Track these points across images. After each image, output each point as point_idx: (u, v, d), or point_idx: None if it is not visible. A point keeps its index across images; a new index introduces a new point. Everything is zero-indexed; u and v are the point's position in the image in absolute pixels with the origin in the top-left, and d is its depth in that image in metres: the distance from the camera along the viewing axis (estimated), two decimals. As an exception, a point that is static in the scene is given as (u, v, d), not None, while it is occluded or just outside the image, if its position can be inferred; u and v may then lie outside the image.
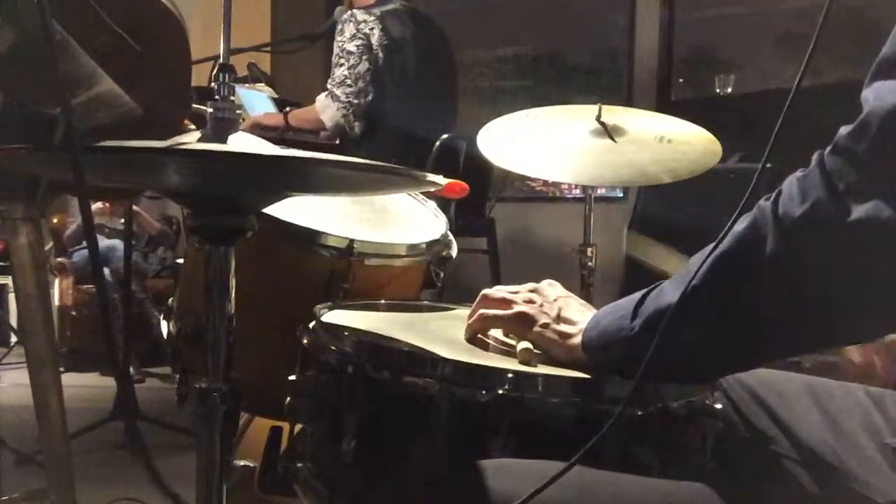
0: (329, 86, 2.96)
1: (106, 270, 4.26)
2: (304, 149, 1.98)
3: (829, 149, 0.66)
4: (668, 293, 0.75)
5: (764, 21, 3.72)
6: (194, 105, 2.12)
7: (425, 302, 1.30)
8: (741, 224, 0.71)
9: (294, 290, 1.25)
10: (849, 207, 0.63)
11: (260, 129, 3.08)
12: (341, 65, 2.93)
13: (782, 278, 0.68)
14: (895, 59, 0.64)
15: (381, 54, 2.93)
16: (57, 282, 4.35)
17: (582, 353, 0.85)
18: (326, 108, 2.96)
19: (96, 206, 4.42)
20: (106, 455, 2.68)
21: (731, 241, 0.70)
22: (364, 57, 2.92)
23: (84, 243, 4.54)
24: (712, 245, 0.72)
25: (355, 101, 2.93)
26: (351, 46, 2.92)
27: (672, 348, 0.71)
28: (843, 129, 0.65)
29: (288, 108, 3.24)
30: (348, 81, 2.92)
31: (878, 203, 0.61)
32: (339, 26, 2.96)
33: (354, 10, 2.98)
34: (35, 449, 2.04)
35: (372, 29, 2.92)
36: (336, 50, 2.96)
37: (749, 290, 0.70)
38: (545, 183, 4.38)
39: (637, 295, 0.80)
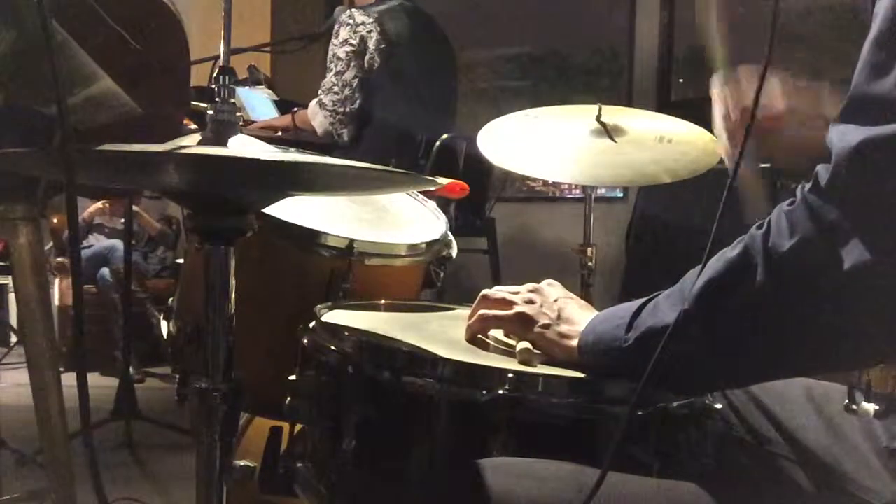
0: (319, 92, 2.98)
1: (106, 270, 4.27)
2: (301, 148, 1.98)
3: (809, 186, 0.68)
4: (663, 311, 0.76)
5: (764, 21, 3.72)
6: (193, 103, 2.12)
7: (425, 302, 1.30)
8: (734, 250, 0.72)
9: (294, 290, 1.26)
10: (833, 245, 0.65)
11: (270, 131, 3.12)
12: (330, 70, 2.95)
13: (771, 308, 0.69)
14: (856, 102, 0.66)
15: (377, 58, 2.92)
16: (57, 282, 4.34)
17: (579, 355, 0.85)
18: (316, 115, 2.98)
19: (96, 205, 4.43)
20: (106, 455, 2.68)
21: (722, 267, 0.72)
22: (352, 64, 2.92)
23: (84, 243, 4.54)
24: (702, 265, 0.73)
25: (340, 109, 2.93)
26: (340, 52, 2.92)
27: (664, 366, 0.72)
28: (821, 168, 0.67)
29: (296, 109, 3.25)
30: (335, 89, 2.93)
31: (857, 243, 0.63)
32: (336, 27, 2.96)
33: (353, 11, 2.96)
34: (35, 449, 2.04)
35: (370, 31, 2.91)
36: (329, 54, 2.97)
37: (738, 317, 0.72)
38: (545, 183, 4.38)
39: (634, 304, 0.80)
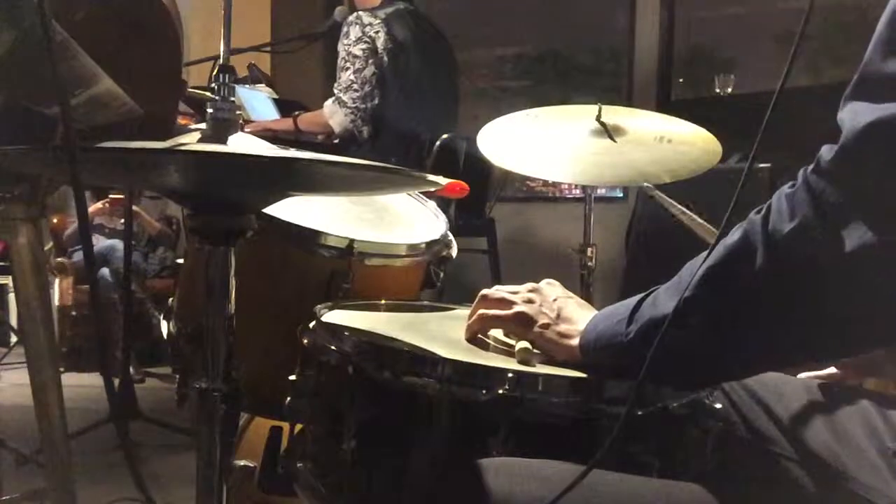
0: (336, 91, 2.97)
1: (106, 270, 4.27)
2: (302, 148, 1.98)
3: (812, 167, 0.67)
4: (663, 302, 0.76)
5: (764, 21, 3.72)
6: (192, 90, 2.10)
7: (425, 302, 1.30)
8: (733, 236, 0.71)
9: (294, 290, 1.25)
10: (834, 227, 0.64)
11: (270, 133, 3.11)
12: (347, 69, 2.94)
13: (771, 292, 0.69)
14: (869, 79, 0.65)
15: (385, 58, 2.93)
16: (57, 282, 4.34)
17: (580, 355, 0.85)
18: (335, 114, 2.97)
19: (96, 205, 4.43)
20: (106, 455, 2.68)
21: (722, 253, 0.71)
22: (370, 61, 2.93)
23: (84, 243, 4.52)
24: (704, 254, 0.73)
25: (362, 106, 2.94)
26: (356, 50, 2.92)
27: (666, 357, 0.72)
28: (825, 149, 0.66)
29: (297, 112, 3.24)
30: (354, 86, 2.93)
31: (860, 225, 0.62)
32: (345, 29, 2.97)
33: (360, 13, 2.98)
34: (35, 449, 2.04)
35: (377, 32, 2.93)
36: (342, 53, 2.96)
37: (739, 303, 0.71)
38: (545, 183, 4.38)
39: (634, 300, 0.80)
